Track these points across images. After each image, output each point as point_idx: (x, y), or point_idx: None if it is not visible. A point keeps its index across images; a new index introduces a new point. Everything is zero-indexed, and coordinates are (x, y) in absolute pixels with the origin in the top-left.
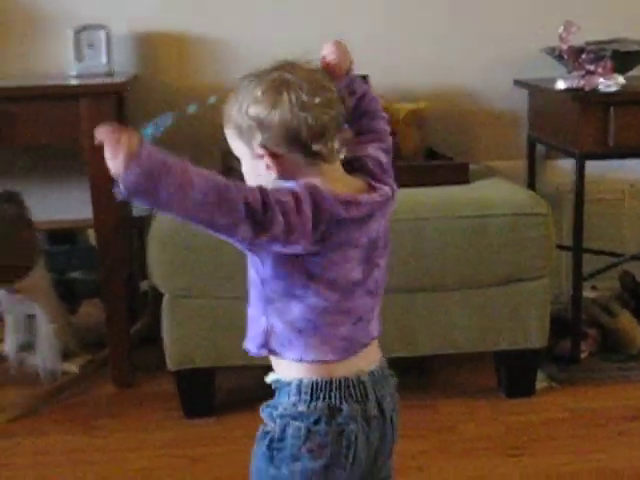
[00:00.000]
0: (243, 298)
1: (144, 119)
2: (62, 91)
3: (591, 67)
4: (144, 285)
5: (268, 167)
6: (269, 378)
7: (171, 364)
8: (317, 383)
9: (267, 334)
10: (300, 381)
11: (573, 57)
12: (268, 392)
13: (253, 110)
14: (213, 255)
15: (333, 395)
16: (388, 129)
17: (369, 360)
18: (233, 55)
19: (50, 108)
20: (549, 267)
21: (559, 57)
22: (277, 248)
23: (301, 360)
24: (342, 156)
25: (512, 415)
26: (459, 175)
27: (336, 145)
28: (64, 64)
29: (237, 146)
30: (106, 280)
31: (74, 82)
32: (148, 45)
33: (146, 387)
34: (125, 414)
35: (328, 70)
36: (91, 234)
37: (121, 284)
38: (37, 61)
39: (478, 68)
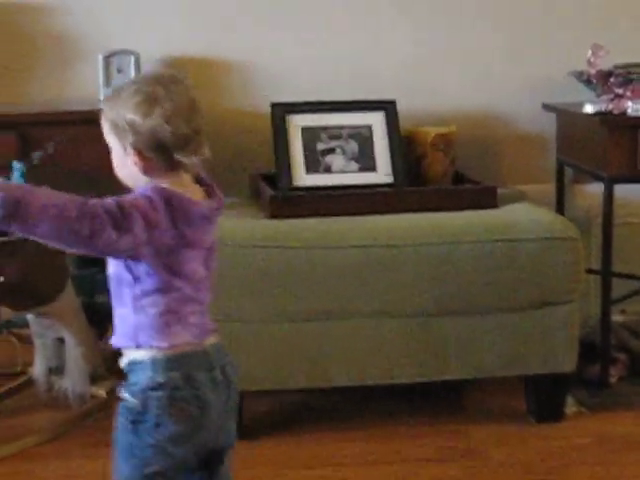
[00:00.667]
0: (270, 321)
1: None
2: (91, 116)
3: (619, 90)
4: None
5: (135, 164)
6: (123, 362)
7: None
8: (169, 358)
9: (136, 328)
10: (154, 357)
11: (601, 81)
12: (296, 416)
13: (129, 116)
14: (238, 276)
15: (185, 366)
16: None
17: (210, 340)
18: (261, 79)
19: (78, 133)
20: (578, 291)
21: (587, 81)
22: (148, 249)
23: (163, 348)
24: (197, 166)
25: (542, 440)
26: (487, 199)
27: (195, 157)
28: (93, 89)
29: (110, 139)
30: None
31: None
32: (177, 70)
33: None
34: None
35: None
36: None
37: None
38: (66, 86)
39: (506, 92)
